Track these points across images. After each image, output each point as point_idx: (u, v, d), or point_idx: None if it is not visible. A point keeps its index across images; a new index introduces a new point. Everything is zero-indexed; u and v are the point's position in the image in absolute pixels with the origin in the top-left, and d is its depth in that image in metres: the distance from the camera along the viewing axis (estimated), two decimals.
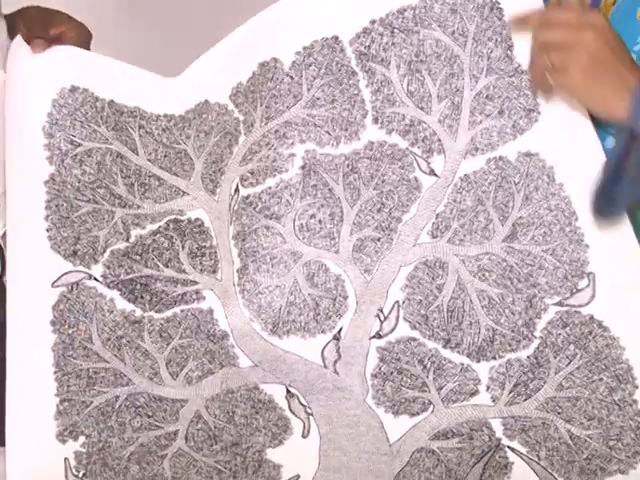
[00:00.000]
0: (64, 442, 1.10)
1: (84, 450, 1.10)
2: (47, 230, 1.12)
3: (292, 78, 1.11)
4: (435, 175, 1.07)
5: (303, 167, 1.10)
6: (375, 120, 1.09)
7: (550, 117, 1.04)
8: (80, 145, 1.13)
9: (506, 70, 1.05)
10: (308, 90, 1.10)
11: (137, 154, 1.14)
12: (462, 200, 1.06)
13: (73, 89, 1.13)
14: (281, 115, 1.11)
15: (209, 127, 1.14)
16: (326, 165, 1.10)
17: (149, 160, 1.14)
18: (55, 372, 1.10)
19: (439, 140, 1.07)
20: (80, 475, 1.09)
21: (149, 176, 1.14)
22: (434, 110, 1.08)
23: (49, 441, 1.09)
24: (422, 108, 1.08)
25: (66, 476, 1.09)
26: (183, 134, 1.14)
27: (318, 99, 1.10)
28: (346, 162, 1.10)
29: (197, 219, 1.13)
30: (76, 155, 1.13)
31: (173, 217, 1.14)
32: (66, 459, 1.09)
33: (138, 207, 1.13)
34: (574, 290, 1.03)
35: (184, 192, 1.14)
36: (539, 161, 1.04)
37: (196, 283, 1.12)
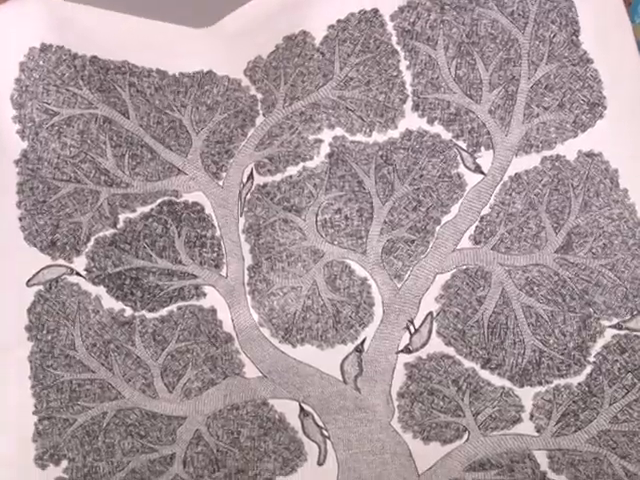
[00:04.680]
0: (44, 467, 0.76)
1: (67, 476, 0.76)
2: (20, 219, 0.78)
3: (323, 55, 0.79)
4: (481, 172, 0.77)
5: (330, 155, 0.78)
6: (416, 106, 0.78)
7: (617, 113, 0.75)
8: (57, 113, 0.78)
9: (570, 58, 0.76)
10: (341, 69, 0.79)
11: (128, 117, 0.79)
12: (511, 203, 0.76)
13: (44, 48, 0.78)
14: (308, 95, 0.79)
15: (213, 101, 0.81)
16: (357, 154, 0.78)
17: (141, 126, 0.80)
18: (33, 386, 0.77)
19: (488, 133, 0.77)
20: None
21: (141, 146, 0.80)
22: (484, 99, 0.77)
23: (27, 466, 0.75)
24: (471, 96, 0.77)
25: None
26: (177, 100, 0.81)
27: (352, 79, 0.78)
28: (380, 152, 0.78)
29: (195, 203, 0.80)
30: (53, 125, 0.78)
31: (167, 199, 0.80)
32: None
33: (127, 185, 0.79)
34: (635, 312, 0.73)
35: (180, 170, 0.80)
36: (602, 163, 0.75)
37: (195, 277, 0.79)
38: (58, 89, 0.78)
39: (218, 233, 0.79)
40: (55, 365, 0.76)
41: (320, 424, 0.76)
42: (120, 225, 0.79)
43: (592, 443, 0.73)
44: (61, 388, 0.76)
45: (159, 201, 0.79)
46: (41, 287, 0.77)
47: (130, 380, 0.77)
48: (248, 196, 0.79)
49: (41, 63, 0.78)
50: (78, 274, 0.78)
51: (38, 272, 0.78)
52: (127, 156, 0.79)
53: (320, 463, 0.75)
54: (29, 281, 0.77)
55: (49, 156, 0.78)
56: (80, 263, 0.78)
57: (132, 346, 0.77)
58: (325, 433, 0.75)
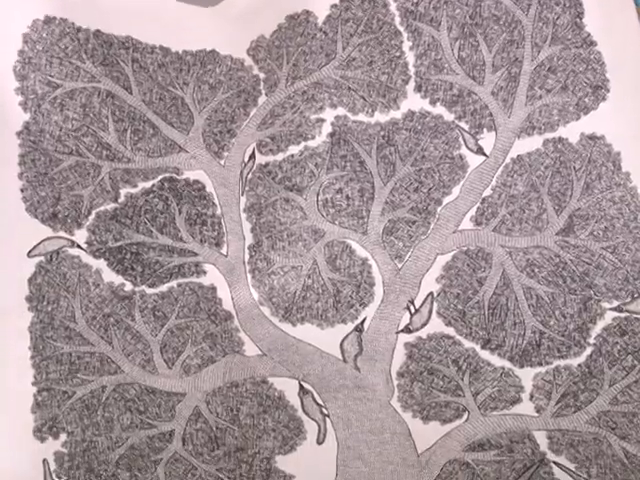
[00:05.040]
0: (43, 440, 0.74)
1: (66, 451, 0.74)
2: (21, 190, 0.76)
3: (326, 34, 0.77)
4: (483, 154, 0.75)
5: (332, 135, 0.77)
6: (418, 87, 0.76)
7: (620, 96, 0.74)
8: (60, 86, 0.76)
9: (573, 40, 0.74)
10: (343, 49, 0.77)
11: (131, 93, 0.78)
12: (513, 184, 0.74)
13: (48, 20, 0.77)
14: (311, 75, 0.77)
15: (215, 80, 0.79)
16: (358, 134, 0.76)
17: (143, 101, 0.78)
18: (32, 357, 0.75)
19: (491, 115, 0.75)
20: None
21: (143, 121, 0.78)
22: (487, 80, 0.75)
23: (25, 438, 0.74)
24: (474, 77, 0.75)
25: None
26: (180, 78, 0.79)
27: (354, 59, 0.77)
28: (382, 132, 0.76)
29: (196, 181, 0.78)
30: (55, 98, 0.76)
31: (168, 175, 0.78)
32: (45, 461, 0.73)
33: (128, 160, 0.77)
34: (635, 295, 0.72)
35: (181, 148, 0.78)
36: (604, 146, 0.73)
37: (195, 254, 0.77)
38: (61, 62, 0.76)
39: (219, 212, 0.77)
40: (55, 336, 0.75)
41: (320, 402, 0.74)
42: (121, 199, 0.77)
43: (592, 424, 0.71)
44: (60, 360, 0.74)
45: (160, 177, 0.77)
46: (42, 258, 0.75)
47: (130, 355, 0.75)
48: (249, 175, 0.77)
49: (44, 35, 0.76)
50: (79, 247, 0.76)
51: (39, 243, 0.76)
52: (129, 131, 0.77)
53: (320, 442, 0.73)
54: (30, 252, 0.75)
55: (51, 128, 0.76)
56: (81, 236, 0.76)
57: (132, 321, 0.75)
58: (325, 412, 0.74)
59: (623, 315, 0.71)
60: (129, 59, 0.78)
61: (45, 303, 0.75)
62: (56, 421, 0.74)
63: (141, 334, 0.75)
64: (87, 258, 0.76)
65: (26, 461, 0.73)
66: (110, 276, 0.76)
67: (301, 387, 0.74)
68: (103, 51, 0.77)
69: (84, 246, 0.76)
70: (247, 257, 0.76)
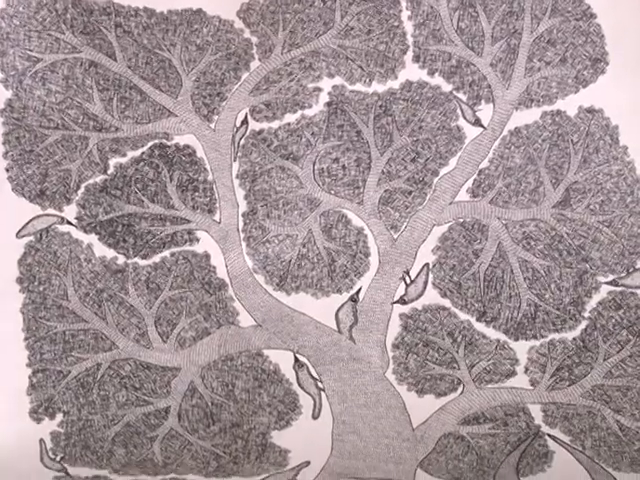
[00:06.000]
0: (39, 420, 0.72)
1: (62, 430, 0.72)
2: (7, 169, 0.72)
3: (324, 2, 0.73)
4: (481, 126, 0.72)
5: (329, 104, 0.73)
6: (416, 58, 0.73)
7: (620, 69, 0.71)
8: (40, 60, 0.72)
9: (573, 12, 0.71)
10: (342, 17, 0.73)
11: (115, 59, 0.73)
12: (510, 157, 0.72)
13: None
14: (308, 43, 0.73)
15: (203, 41, 0.74)
16: (356, 104, 0.73)
17: (129, 67, 0.73)
18: (26, 338, 0.72)
19: (489, 86, 0.72)
20: (57, 459, 0.72)
21: (130, 88, 0.73)
22: (486, 52, 0.72)
23: (21, 419, 0.72)
24: (472, 48, 0.72)
25: (42, 460, 0.72)
26: (167, 39, 0.74)
27: (352, 28, 0.73)
28: (379, 102, 0.73)
29: (187, 146, 0.74)
30: (37, 72, 0.72)
31: (158, 142, 0.74)
32: (41, 440, 0.72)
33: (116, 130, 0.73)
34: (631, 269, 0.70)
35: (170, 112, 0.74)
36: (602, 119, 0.71)
37: (188, 221, 0.73)
38: (40, 35, 0.72)
39: (210, 177, 0.73)
40: (48, 316, 0.72)
41: (315, 376, 0.71)
42: (110, 171, 0.73)
43: (586, 397, 0.69)
44: (54, 339, 0.71)
45: (150, 144, 0.73)
46: (31, 238, 0.72)
47: (124, 330, 0.72)
48: (242, 141, 0.73)
49: (21, 9, 0.72)
50: (69, 223, 0.72)
51: (28, 223, 0.72)
52: (115, 99, 0.73)
53: (315, 417, 0.71)
54: (19, 232, 0.72)
55: (34, 104, 0.72)
56: (70, 211, 0.73)
57: (125, 294, 0.72)
58: (320, 385, 0.71)
59: (618, 289, 0.70)
60: (111, 25, 0.73)
61: (36, 283, 0.72)
62: (52, 401, 0.71)
63: (135, 308, 0.72)
64: (78, 234, 0.73)
65: (22, 441, 0.71)
66: (102, 250, 0.73)
67: (296, 360, 0.71)
68: (83, 19, 0.73)
69: (74, 222, 0.73)
70: (241, 225, 0.73)
